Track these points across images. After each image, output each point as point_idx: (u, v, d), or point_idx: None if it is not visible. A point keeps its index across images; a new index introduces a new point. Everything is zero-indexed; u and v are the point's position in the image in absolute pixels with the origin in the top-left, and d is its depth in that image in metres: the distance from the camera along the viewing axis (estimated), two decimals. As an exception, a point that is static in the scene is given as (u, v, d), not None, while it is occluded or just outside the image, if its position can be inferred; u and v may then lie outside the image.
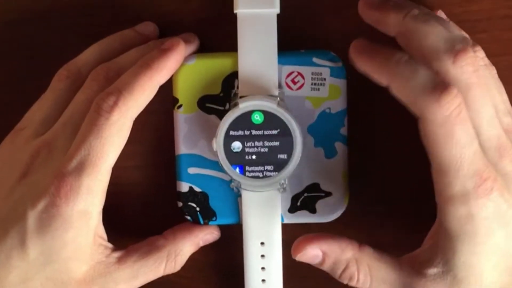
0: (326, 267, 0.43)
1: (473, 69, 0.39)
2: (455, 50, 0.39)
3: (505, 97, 0.42)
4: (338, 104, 0.45)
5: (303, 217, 0.46)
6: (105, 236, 0.44)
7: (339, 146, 0.46)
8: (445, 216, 0.39)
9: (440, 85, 0.37)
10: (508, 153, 0.39)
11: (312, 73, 0.45)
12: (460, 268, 0.39)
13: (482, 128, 0.39)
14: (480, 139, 0.38)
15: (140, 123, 0.44)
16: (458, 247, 0.39)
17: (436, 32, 0.39)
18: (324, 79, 0.45)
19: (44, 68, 0.47)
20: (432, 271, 0.40)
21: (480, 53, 0.41)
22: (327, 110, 0.45)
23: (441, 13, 0.45)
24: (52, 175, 0.41)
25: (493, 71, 0.42)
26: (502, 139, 0.39)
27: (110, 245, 0.44)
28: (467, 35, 0.42)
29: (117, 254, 0.44)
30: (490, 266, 0.39)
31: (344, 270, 0.42)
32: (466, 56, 0.38)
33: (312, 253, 0.42)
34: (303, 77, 0.45)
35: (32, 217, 0.41)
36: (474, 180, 0.37)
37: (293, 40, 0.46)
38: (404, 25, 0.40)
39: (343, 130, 0.46)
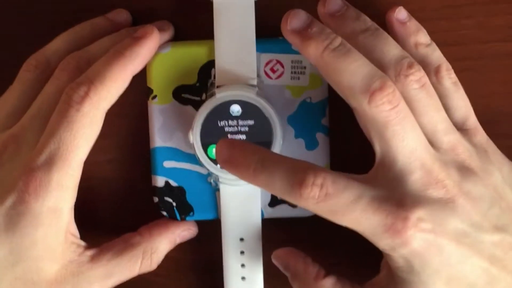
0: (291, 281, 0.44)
1: (391, 106, 0.38)
2: (371, 89, 0.37)
3: (444, 114, 0.41)
4: (319, 94, 0.45)
5: (284, 212, 0.46)
6: (77, 233, 0.43)
7: (321, 137, 0.45)
8: (383, 255, 0.40)
9: (297, 182, 0.37)
10: (434, 180, 0.38)
11: (292, 61, 0.44)
12: None
13: (399, 163, 0.38)
14: (397, 174, 0.38)
15: (113, 115, 0.43)
16: (402, 277, 0.39)
17: (354, 69, 0.38)
18: (305, 68, 0.44)
19: (11, 58, 0.46)
20: None
21: (415, 76, 0.40)
22: (308, 100, 0.45)
23: (400, 11, 0.44)
24: (20, 170, 0.40)
25: (440, 80, 0.42)
26: (427, 167, 0.38)
27: (82, 243, 0.43)
28: (404, 54, 0.41)
29: (90, 253, 0.43)
30: None
31: None
32: (382, 95, 0.37)
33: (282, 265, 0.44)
34: (282, 66, 0.44)
35: None
36: (386, 236, 0.37)
37: (272, 27, 0.45)
38: (322, 59, 0.39)
39: (325, 121, 0.45)
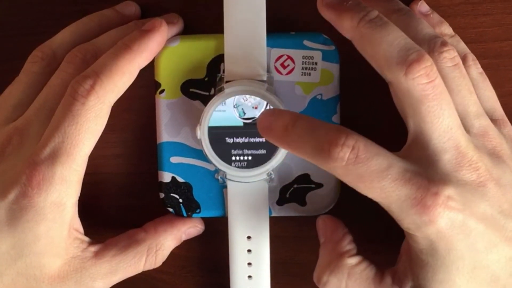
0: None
1: (428, 80, 0.37)
2: (408, 60, 0.37)
3: (476, 97, 0.41)
4: (330, 90, 0.44)
5: (292, 210, 0.45)
6: (81, 229, 0.43)
7: (331, 135, 0.44)
8: (406, 236, 0.39)
9: (327, 140, 0.36)
10: (468, 162, 0.38)
11: (303, 57, 0.44)
12: (432, 283, 0.38)
13: (433, 141, 0.38)
14: (430, 152, 0.38)
15: (120, 109, 0.44)
16: (424, 261, 0.38)
17: (390, 40, 0.38)
18: (316, 63, 0.44)
19: (17, 50, 0.46)
20: (408, 286, 0.39)
21: (449, 53, 0.40)
22: (319, 96, 0.44)
23: (422, 3, 0.44)
24: (23, 164, 0.40)
25: (467, 69, 0.42)
26: (461, 148, 0.38)
27: (86, 238, 0.43)
28: (437, 34, 0.41)
29: (94, 248, 0.43)
30: (464, 280, 0.38)
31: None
32: (420, 67, 0.37)
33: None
34: (293, 61, 0.44)
35: (2, 208, 0.40)
36: (414, 211, 0.36)
37: (283, 22, 0.45)
38: (358, 30, 0.39)
39: (336, 118, 0.44)
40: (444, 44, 0.40)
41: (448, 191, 0.36)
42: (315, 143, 0.37)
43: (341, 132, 0.36)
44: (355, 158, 0.36)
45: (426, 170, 0.37)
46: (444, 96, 0.38)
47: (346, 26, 0.39)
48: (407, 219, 0.37)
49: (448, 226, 0.36)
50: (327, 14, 0.40)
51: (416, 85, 0.37)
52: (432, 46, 0.40)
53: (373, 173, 0.36)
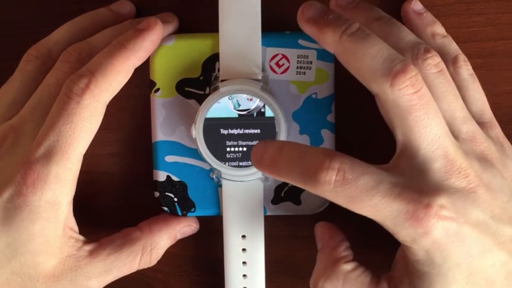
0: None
1: (414, 90, 0.37)
2: (393, 72, 0.37)
3: (462, 102, 0.41)
4: (325, 89, 0.44)
5: (287, 209, 0.45)
6: (76, 227, 0.43)
7: (326, 133, 0.44)
8: (402, 247, 0.39)
9: (313, 166, 0.37)
10: (457, 169, 0.38)
11: (298, 56, 0.44)
12: None
13: (422, 151, 0.38)
14: (419, 162, 0.38)
15: (115, 108, 0.44)
16: (421, 271, 0.38)
17: (374, 52, 0.38)
18: (311, 63, 0.44)
19: (13, 49, 0.46)
20: None
21: (433, 60, 0.40)
22: (314, 96, 0.44)
23: (416, 2, 0.44)
24: (18, 163, 0.40)
25: (457, 70, 0.42)
26: (450, 156, 0.38)
27: (81, 237, 0.43)
28: (420, 40, 0.41)
29: (89, 247, 0.43)
30: (460, 286, 0.38)
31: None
32: (405, 78, 0.37)
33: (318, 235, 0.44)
34: (288, 60, 0.44)
35: None
36: (408, 225, 0.36)
37: (278, 21, 0.45)
38: (340, 45, 0.39)
39: (330, 117, 0.44)
40: (427, 50, 0.40)
41: (440, 200, 0.36)
42: (301, 169, 0.37)
43: (325, 155, 0.36)
44: (342, 180, 0.36)
45: (416, 180, 0.37)
46: (430, 105, 0.38)
47: (329, 41, 0.39)
48: (402, 233, 0.37)
49: (442, 235, 0.36)
50: (308, 30, 0.40)
51: (402, 96, 0.37)
52: (415, 53, 0.40)
53: (362, 193, 0.36)
